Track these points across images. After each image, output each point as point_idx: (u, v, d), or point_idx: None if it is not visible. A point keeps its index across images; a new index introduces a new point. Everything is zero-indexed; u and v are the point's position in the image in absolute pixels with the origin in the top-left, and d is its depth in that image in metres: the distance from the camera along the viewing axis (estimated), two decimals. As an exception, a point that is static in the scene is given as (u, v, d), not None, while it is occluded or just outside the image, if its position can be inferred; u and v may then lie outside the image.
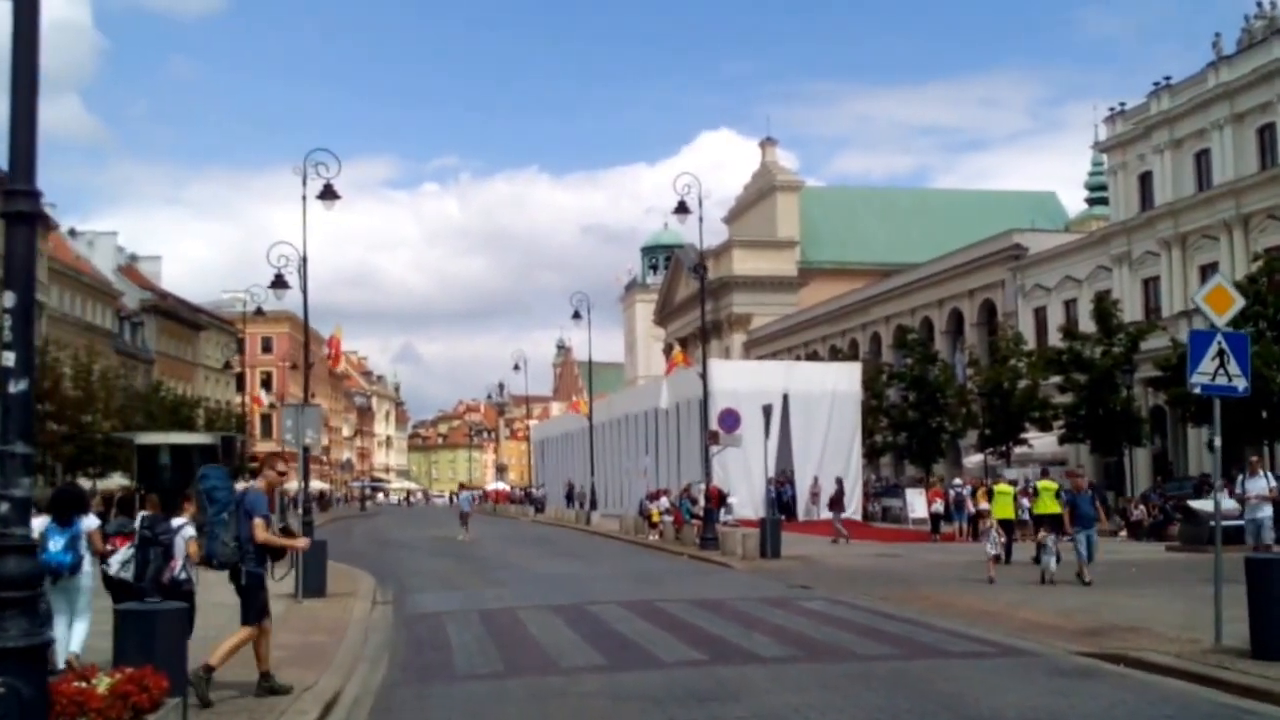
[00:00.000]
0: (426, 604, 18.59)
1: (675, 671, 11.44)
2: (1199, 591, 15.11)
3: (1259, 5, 41.57)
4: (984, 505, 27.35)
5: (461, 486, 62.50)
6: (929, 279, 61.21)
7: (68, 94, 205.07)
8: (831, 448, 42.20)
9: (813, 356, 69.33)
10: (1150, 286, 46.04)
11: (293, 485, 24.56)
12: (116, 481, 42.85)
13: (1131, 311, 43.44)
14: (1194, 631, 12.67)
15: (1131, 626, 13.68)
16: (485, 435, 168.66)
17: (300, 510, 25.06)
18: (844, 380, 44.38)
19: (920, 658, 12.16)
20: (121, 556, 11.01)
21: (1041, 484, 25.89)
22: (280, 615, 13.55)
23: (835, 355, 66.96)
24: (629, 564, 26.87)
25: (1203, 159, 43.18)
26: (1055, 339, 44.60)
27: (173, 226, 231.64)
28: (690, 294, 79.63)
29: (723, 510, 32.89)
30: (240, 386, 69.44)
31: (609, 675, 11.36)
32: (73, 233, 70.98)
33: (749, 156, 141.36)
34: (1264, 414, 29.99)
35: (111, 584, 11.15)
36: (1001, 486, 27.51)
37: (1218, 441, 13.03)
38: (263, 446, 69.04)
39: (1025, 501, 26.49)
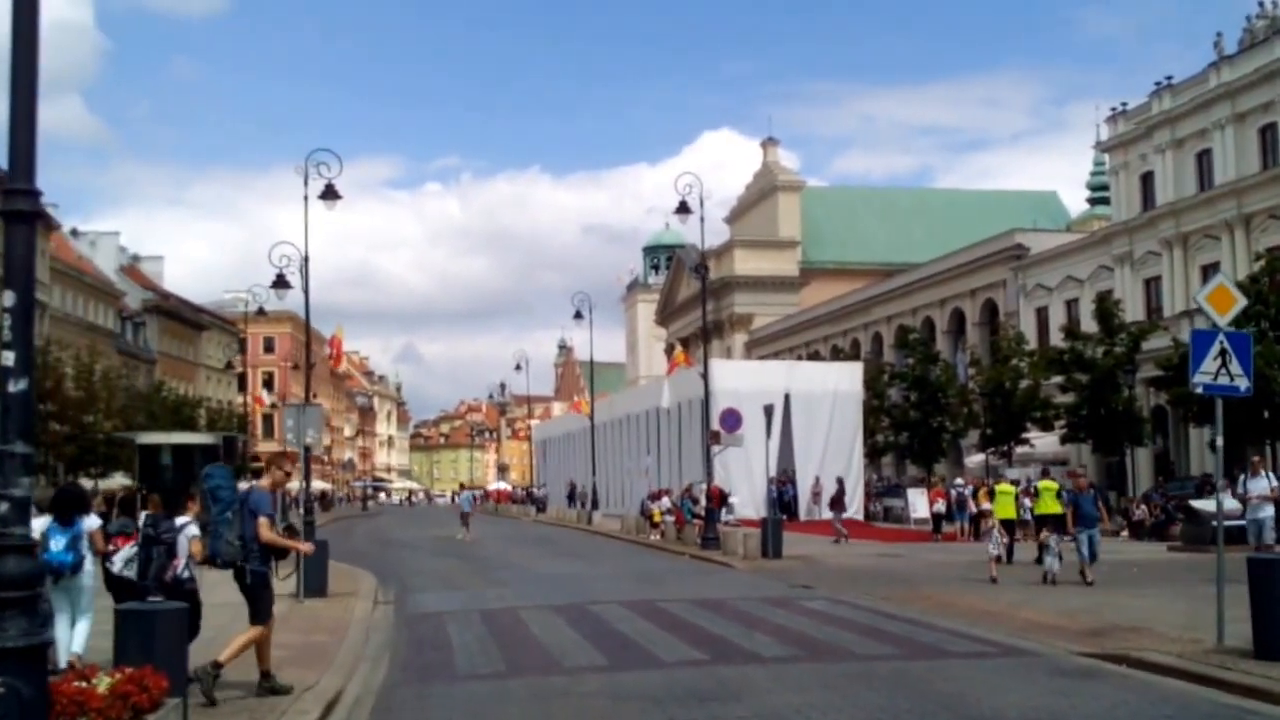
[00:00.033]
0: (428, 604, 18.58)
1: (676, 671, 11.44)
2: (1201, 591, 15.11)
3: (1260, 5, 41.54)
4: (986, 505, 27.33)
5: (462, 486, 62.45)
6: (931, 279, 61.19)
7: (70, 94, 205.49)
8: (833, 447, 42.19)
9: (814, 356, 69.32)
10: (1152, 286, 46.01)
11: (294, 485, 24.54)
12: (118, 481, 42.89)
13: (1133, 311, 43.41)
14: (1196, 632, 12.65)
15: (1133, 627, 13.66)
16: (487, 435, 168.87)
17: (301, 510, 25.10)
18: (845, 380, 44.39)
19: (921, 658, 12.15)
20: (125, 554, 11.03)
21: (1042, 484, 25.87)
22: (282, 615, 13.53)
23: (837, 355, 66.94)
24: (630, 564, 26.86)
25: (1204, 159, 43.15)
26: (1057, 339, 44.56)
27: (175, 227, 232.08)
28: (692, 294, 79.66)
29: (724, 510, 32.88)
30: (242, 386, 69.59)
31: (610, 675, 11.35)
32: (75, 233, 71.01)
33: (750, 156, 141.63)
34: (1266, 414, 29.97)
35: (114, 583, 11.16)
36: (1003, 486, 27.49)
37: (1220, 441, 13.01)
38: (264, 446, 69.08)
39: (1027, 501, 26.47)
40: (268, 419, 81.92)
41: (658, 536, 34.53)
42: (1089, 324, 41.71)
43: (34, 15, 5.85)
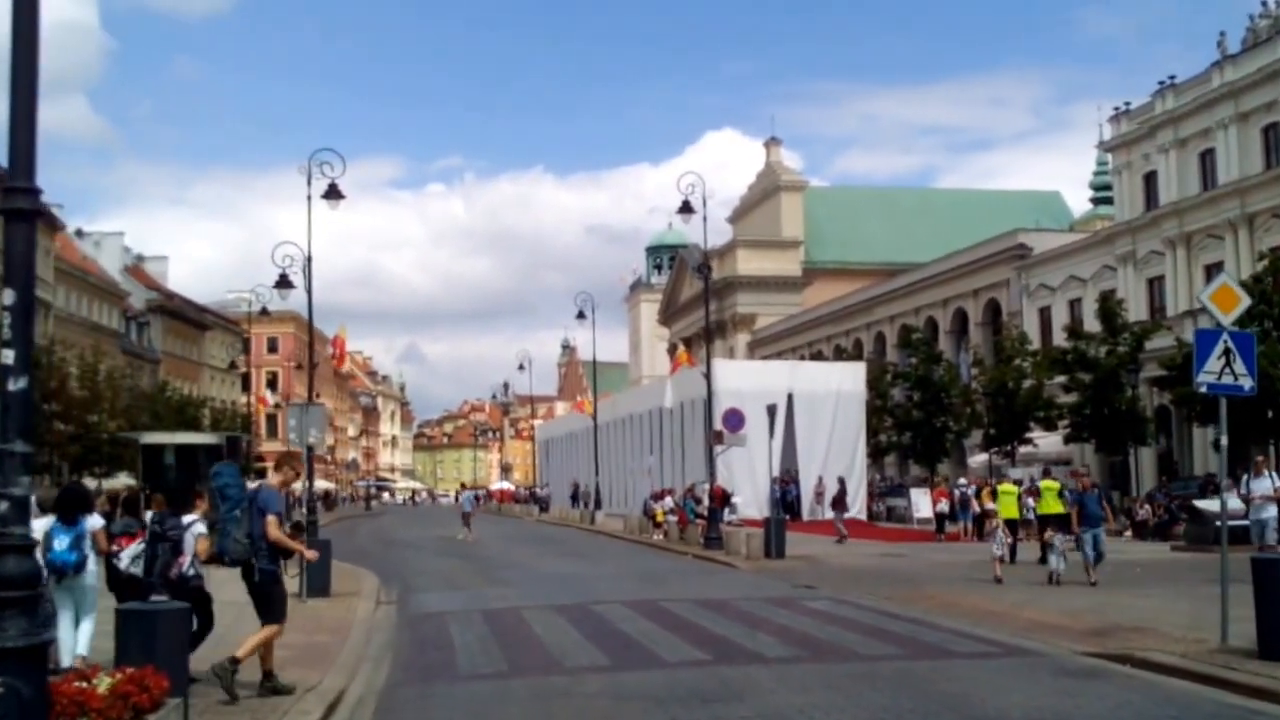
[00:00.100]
0: (430, 604, 18.58)
1: (679, 671, 11.42)
2: (1204, 591, 15.08)
3: (1264, 4, 41.48)
4: (989, 505, 27.29)
5: (463, 486, 62.45)
6: (933, 279, 61.15)
7: (74, 95, 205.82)
8: (836, 447, 42.17)
9: (817, 356, 69.27)
10: (1155, 286, 45.94)
11: (298, 485, 24.54)
12: (122, 481, 42.93)
13: (1136, 311, 43.35)
14: (1200, 631, 12.63)
15: (1137, 626, 13.63)
16: (490, 435, 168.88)
17: (304, 510, 25.10)
18: (848, 380, 44.37)
19: (925, 658, 12.12)
20: (132, 551, 11.07)
21: (1044, 483, 25.85)
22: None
23: (840, 355, 66.88)
24: (633, 564, 26.85)
25: (1207, 158, 43.08)
26: (1060, 338, 44.50)
27: (179, 227, 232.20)
28: (694, 294, 79.54)
29: (727, 510, 32.86)
30: (246, 386, 69.63)
31: (612, 675, 11.34)
32: (79, 233, 71.09)
33: (753, 156, 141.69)
34: (1269, 413, 29.92)
35: (116, 582, 11.18)
36: (1005, 486, 27.45)
37: (1224, 441, 12.98)
38: (268, 446, 69.22)
39: (1030, 501, 26.44)
40: (271, 419, 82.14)
41: (660, 536, 34.53)
42: (1092, 324, 41.65)
43: (34, 14, 5.84)
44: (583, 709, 9.78)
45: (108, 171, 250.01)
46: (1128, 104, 47.91)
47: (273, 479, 10.79)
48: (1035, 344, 46.38)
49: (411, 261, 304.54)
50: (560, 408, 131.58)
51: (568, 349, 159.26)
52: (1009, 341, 45.56)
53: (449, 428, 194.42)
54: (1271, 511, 21.07)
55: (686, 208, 31.04)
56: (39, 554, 10.08)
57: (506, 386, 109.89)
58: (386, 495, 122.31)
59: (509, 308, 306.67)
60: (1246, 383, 12.46)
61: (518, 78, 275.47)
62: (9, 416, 5.65)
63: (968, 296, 58.14)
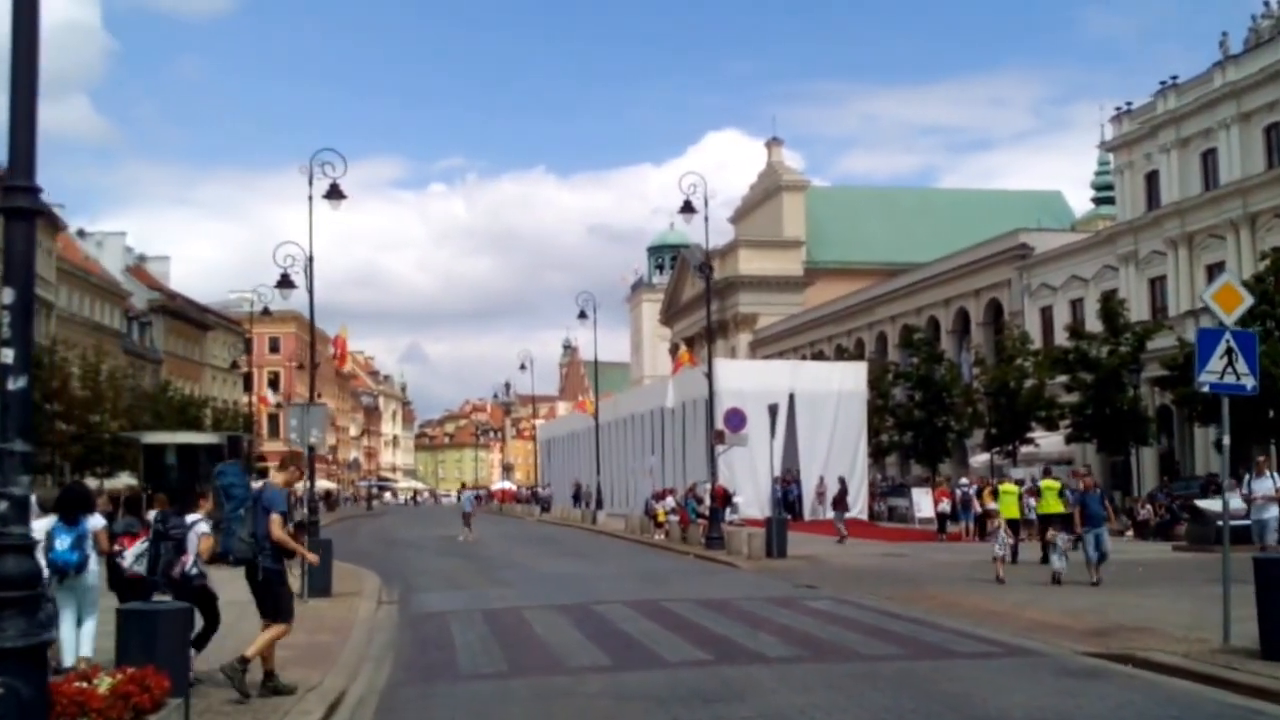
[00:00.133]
0: (432, 603, 18.58)
1: (680, 671, 11.41)
2: (1206, 591, 15.06)
3: (1266, 4, 41.45)
4: (991, 505, 27.27)
5: (464, 486, 62.41)
6: (935, 278, 61.12)
7: (77, 95, 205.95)
8: (837, 447, 42.14)
9: (819, 356, 69.24)
10: (1157, 286, 45.90)
11: (299, 485, 24.54)
12: (124, 481, 42.97)
13: (1138, 311, 43.33)
14: (1202, 631, 12.61)
15: (1139, 627, 13.62)
16: (491, 435, 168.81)
17: (305, 510, 25.08)
18: (850, 380, 44.34)
19: (926, 658, 12.11)
20: (137, 550, 11.11)
21: (1044, 483, 25.84)
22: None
23: (841, 355, 66.82)
24: (634, 563, 26.84)
25: (1209, 158, 43.05)
26: (1061, 338, 44.47)
27: (182, 227, 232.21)
28: (696, 294, 79.59)
29: (728, 510, 32.86)
30: (247, 386, 69.62)
31: (614, 675, 11.33)
32: (81, 233, 71.15)
33: (755, 156, 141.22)
34: (1271, 413, 29.90)
35: (118, 582, 11.20)
36: (1006, 486, 27.46)
37: (1226, 440, 12.96)
38: (270, 446, 69.21)
39: (1032, 501, 26.43)
40: (273, 419, 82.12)
41: (662, 536, 34.52)
42: (1094, 323, 41.63)
43: (34, 13, 5.83)
44: (584, 709, 9.78)
45: (110, 172, 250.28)
46: (1129, 104, 47.91)
47: (277, 478, 10.79)
48: (1037, 344, 46.36)
49: (413, 261, 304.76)
50: (562, 408, 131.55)
51: (569, 349, 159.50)
52: (1011, 341, 45.54)
53: (450, 427, 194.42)
54: (1273, 512, 21.05)
55: (688, 208, 31.03)
56: (41, 554, 10.13)
57: (508, 386, 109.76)
58: (388, 495, 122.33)
59: (511, 307, 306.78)
60: (1249, 382, 12.44)
61: (520, 78, 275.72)
62: (8, 416, 5.64)
63: (969, 296, 58.12)
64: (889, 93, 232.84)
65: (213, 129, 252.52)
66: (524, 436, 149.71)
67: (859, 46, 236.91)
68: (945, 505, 34.06)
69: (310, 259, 24.69)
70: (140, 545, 11.09)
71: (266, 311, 45.18)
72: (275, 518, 10.06)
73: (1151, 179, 46.17)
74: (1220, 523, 14.21)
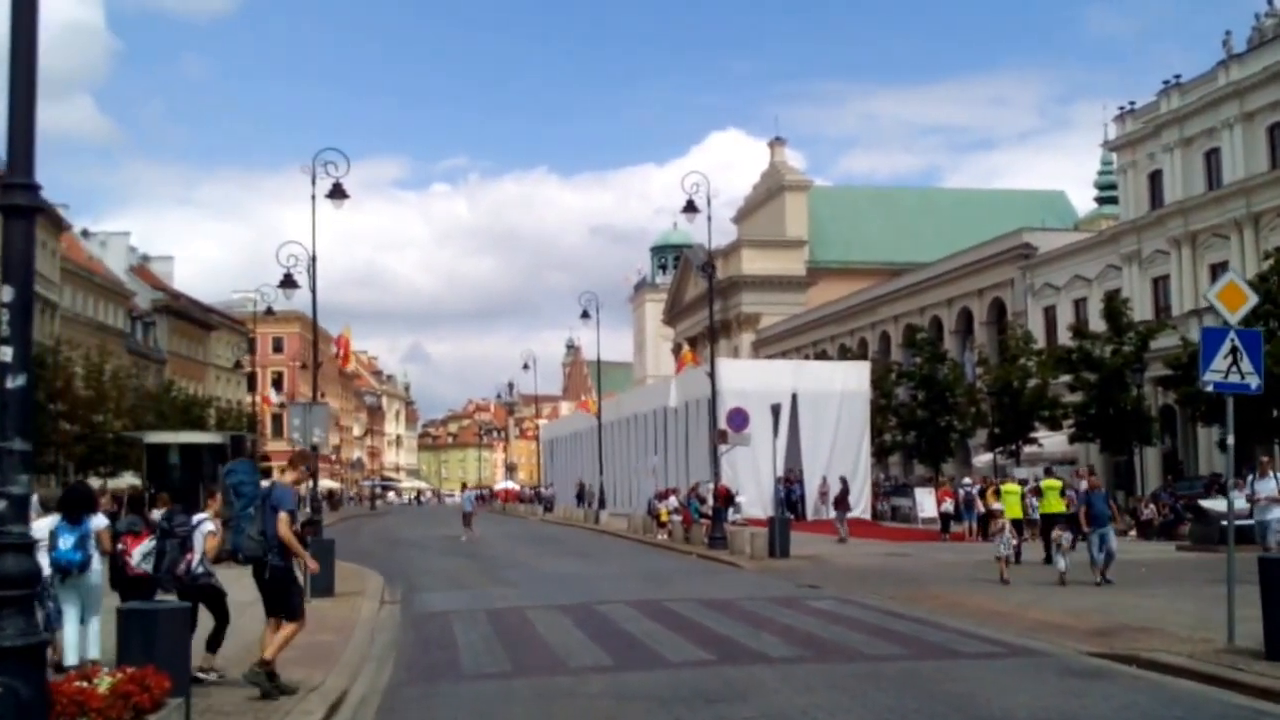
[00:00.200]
0: (434, 603, 18.56)
1: (683, 672, 11.39)
2: (1210, 592, 15.02)
3: (1270, 3, 41.40)
4: (996, 505, 27.22)
5: (464, 486, 62.35)
6: (938, 278, 61.09)
7: (80, 95, 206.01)
8: (840, 447, 42.11)
9: (821, 356, 69.23)
10: (1160, 285, 45.87)
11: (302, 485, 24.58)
12: (127, 481, 42.99)
13: (1141, 310, 43.29)
14: (1206, 632, 12.57)
15: (1143, 627, 13.59)
16: (495, 434, 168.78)
17: (308, 509, 25.09)
18: (853, 379, 44.31)
19: (930, 658, 12.09)
20: (143, 549, 11.14)
21: (1046, 483, 25.81)
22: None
23: (844, 354, 66.85)
24: (637, 563, 26.82)
25: (1213, 157, 43.00)
26: (1065, 338, 44.42)
27: (185, 227, 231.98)
28: (699, 293, 79.64)
29: (731, 510, 32.82)
30: (251, 386, 69.69)
31: (616, 675, 11.31)
32: (85, 233, 71.27)
33: (757, 156, 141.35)
34: (1275, 413, 29.84)
35: (120, 581, 11.23)
36: (1008, 486, 27.43)
37: (1230, 440, 12.91)
38: (273, 446, 69.23)
39: (1034, 501, 26.40)
40: (276, 418, 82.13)
41: (665, 536, 34.49)
42: (1097, 323, 41.58)
43: (33, 9, 5.82)
44: (586, 709, 9.75)
45: (114, 172, 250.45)
46: (1133, 103, 47.90)
47: (287, 477, 10.79)
48: (1040, 343, 46.32)
49: (416, 261, 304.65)
50: (565, 407, 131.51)
51: (572, 349, 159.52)
52: (1014, 341, 45.49)
53: (453, 427, 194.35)
54: (1276, 513, 20.94)
55: (691, 207, 31.03)
56: (44, 553, 10.16)
57: (511, 386, 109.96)
58: (391, 495, 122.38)
59: (513, 307, 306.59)
60: (1253, 381, 12.40)
61: (522, 78, 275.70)
62: (7, 414, 5.62)
63: (972, 296, 58.07)
64: (891, 92, 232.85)
65: (216, 129, 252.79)
66: (527, 436, 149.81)
67: (861, 46, 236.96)
68: (948, 505, 34.02)
69: (313, 259, 24.73)
70: (147, 544, 11.13)
71: (270, 311, 45.20)
72: (283, 516, 10.05)
73: (1155, 178, 46.13)
74: (1224, 523, 14.18)
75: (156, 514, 14.08)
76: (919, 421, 45.69)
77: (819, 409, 42.03)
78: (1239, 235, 41.22)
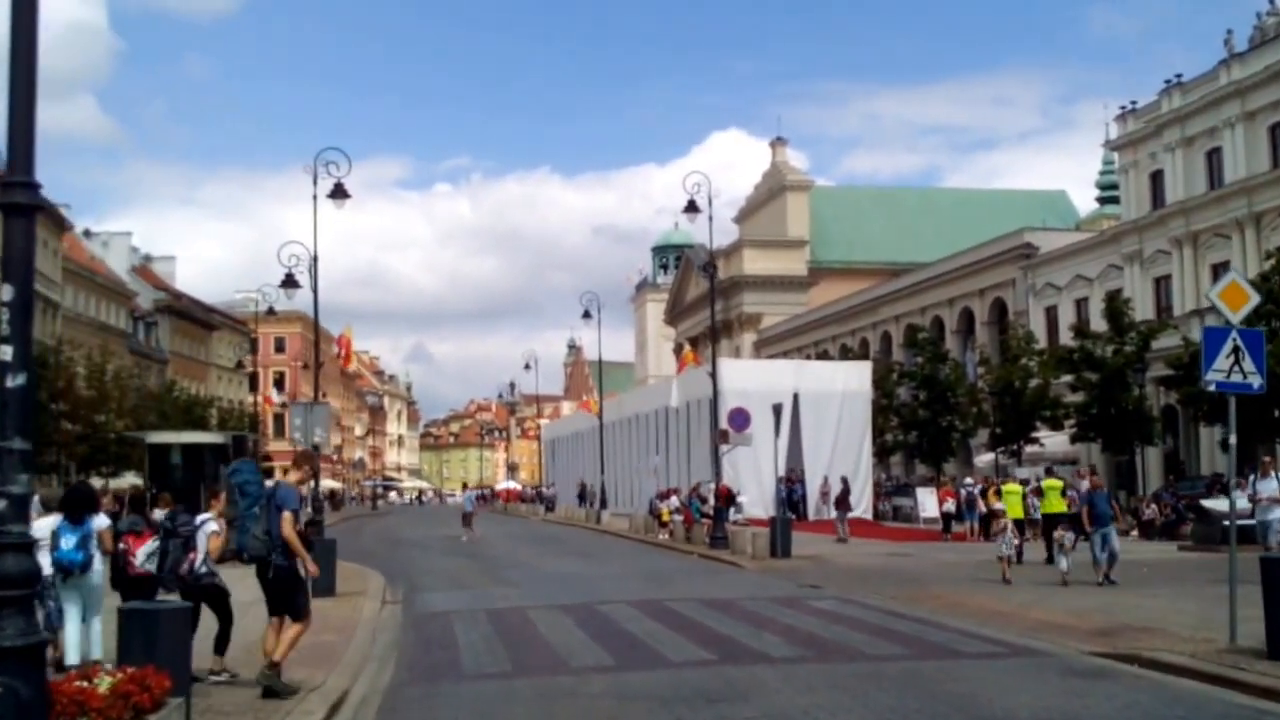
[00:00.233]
0: (436, 603, 18.55)
1: (684, 671, 11.37)
2: (1212, 591, 15.00)
3: (1271, 2, 41.36)
4: (998, 505, 27.21)
5: (464, 485, 62.31)
6: (940, 278, 61.06)
7: (83, 95, 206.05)
8: (842, 447, 42.09)
9: (823, 356, 69.23)
10: (1162, 285, 45.84)
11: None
12: (129, 481, 42.99)
13: (1143, 310, 43.27)
14: (1208, 631, 12.56)
15: (1145, 626, 13.57)
16: (496, 434, 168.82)
17: (310, 509, 25.09)
18: (854, 379, 44.28)
19: (932, 658, 12.07)
20: (147, 549, 11.16)
21: (1047, 482, 25.77)
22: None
23: (846, 354, 66.83)
24: (639, 563, 26.81)
25: (1214, 157, 42.97)
26: (1066, 338, 44.40)
27: (188, 227, 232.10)
28: (700, 293, 79.60)
29: (732, 509, 32.82)
30: (253, 386, 69.77)
31: (617, 675, 11.30)
32: (87, 233, 71.30)
33: (759, 156, 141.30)
34: (1277, 413, 29.81)
35: (122, 581, 11.25)
36: (1009, 486, 27.41)
37: (1233, 439, 12.90)
38: (275, 446, 69.22)
39: (1036, 501, 26.38)
40: (278, 418, 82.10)
41: (666, 536, 34.48)
42: (1098, 323, 41.58)
43: (33, 8, 5.81)
44: (587, 709, 9.74)
45: (116, 172, 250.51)
46: (1134, 103, 47.87)
47: (291, 476, 10.78)
48: (1041, 343, 46.31)
49: (418, 261, 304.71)
50: (566, 407, 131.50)
51: (574, 349, 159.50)
52: (1015, 341, 45.48)
53: (455, 427, 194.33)
54: (1278, 513, 20.96)
55: (692, 207, 31.03)
56: (46, 553, 10.17)
57: (513, 386, 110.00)
58: (393, 495, 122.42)
59: (515, 307, 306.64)
60: (1255, 381, 12.38)
61: (525, 79, 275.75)
62: (7, 414, 5.61)
63: (974, 296, 58.05)
64: (892, 92, 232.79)
65: (219, 129, 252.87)
66: (529, 436, 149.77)
67: (862, 46, 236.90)
68: (950, 505, 34.01)
69: (315, 258, 24.74)
70: (151, 544, 11.15)
71: (271, 311, 45.21)
72: (287, 515, 10.06)
73: (1156, 178, 46.10)
74: (1226, 523, 14.16)
75: (158, 514, 14.10)
76: (920, 421, 45.67)
77: (820, 409, 42.01)
78: (1240, 235, 41.19)
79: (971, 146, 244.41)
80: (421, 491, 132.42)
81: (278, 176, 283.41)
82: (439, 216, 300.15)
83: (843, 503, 33.27)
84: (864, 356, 60.50)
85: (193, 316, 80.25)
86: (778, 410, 31.10)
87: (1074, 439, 41.21)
